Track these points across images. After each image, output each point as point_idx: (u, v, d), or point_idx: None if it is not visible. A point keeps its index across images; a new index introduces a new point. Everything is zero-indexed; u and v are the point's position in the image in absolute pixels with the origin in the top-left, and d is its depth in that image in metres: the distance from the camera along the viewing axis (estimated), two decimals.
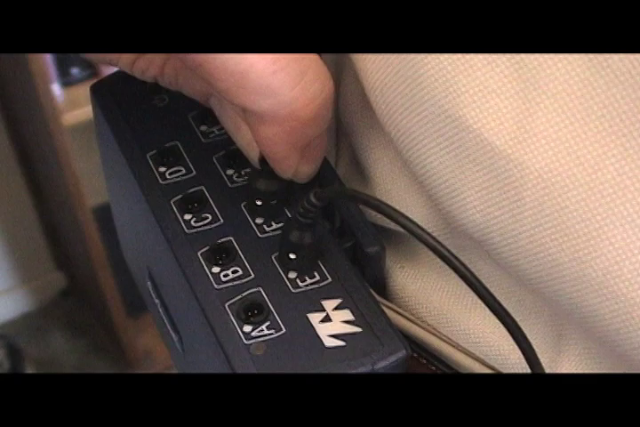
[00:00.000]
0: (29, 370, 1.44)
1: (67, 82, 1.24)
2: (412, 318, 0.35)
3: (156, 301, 0.39)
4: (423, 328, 0.34)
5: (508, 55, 0.28)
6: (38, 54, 1.13)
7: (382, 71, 0.31)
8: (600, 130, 0.26)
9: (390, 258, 0.36)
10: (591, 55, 0.26)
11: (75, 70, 1.24)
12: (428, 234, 0.28)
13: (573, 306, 0.28)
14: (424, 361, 0.34)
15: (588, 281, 0.27)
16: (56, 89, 1.23)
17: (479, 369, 0.33)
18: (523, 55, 0.27)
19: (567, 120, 0.27)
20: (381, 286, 0.36)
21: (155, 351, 1.54)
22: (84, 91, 1.22)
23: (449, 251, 0.28)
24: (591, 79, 0.26)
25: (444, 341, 0.34)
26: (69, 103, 1.22)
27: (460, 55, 0.28)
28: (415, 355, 0.34)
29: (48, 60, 1.20)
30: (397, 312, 0.35)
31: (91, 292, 1.54)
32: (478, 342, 0.33)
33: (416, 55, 0.29)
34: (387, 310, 0.34)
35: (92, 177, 1.35)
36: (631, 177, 0.26)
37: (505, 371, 0.33)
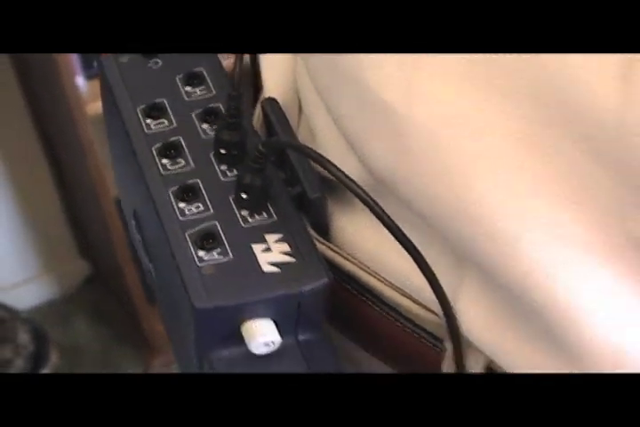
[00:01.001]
0: (53, 355, 1.47)
1: (90, 74, 1.29)
2: (345, 255, 0.40)
3: (137, 236, 0.46)
4: (354, 264, 0.40)
5: None
6: None
7: None
8: (474, 88, 0.31)
9: (333, 204, 0.41)
10: None
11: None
12: (351, 180, 0.34)
13: (459, 241, 0.33)
14: (354, 292, 0.39)
15: (463, 214, 0.32)
16: (80, 81, 1.28)
17: (399, 298, 0.38)
18: None
19: (447, 82, 0.31)
20: (324, 228, 0.41)
21: None
22: None
23: (367, 193, 0.33)
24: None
25: (371, 275, 0.39)
26: (92, 94, 1.27)
27: None
28: (348, 287, 0.39)
29: (73, 53, 1.25)
30: (333, 250, 0.40)
31: (113, 280, 1.57)
32: (399, 276, 0.39)
33: None
34: (324, 249, 0.40)
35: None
36: (494, 120, 0.31)
37: (419, 299, 0.38)
